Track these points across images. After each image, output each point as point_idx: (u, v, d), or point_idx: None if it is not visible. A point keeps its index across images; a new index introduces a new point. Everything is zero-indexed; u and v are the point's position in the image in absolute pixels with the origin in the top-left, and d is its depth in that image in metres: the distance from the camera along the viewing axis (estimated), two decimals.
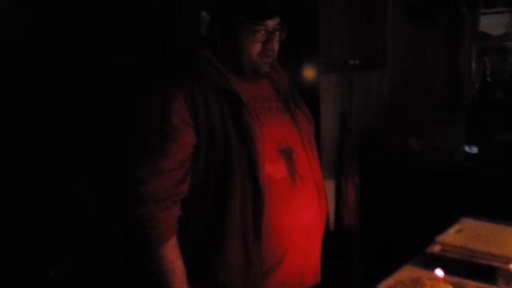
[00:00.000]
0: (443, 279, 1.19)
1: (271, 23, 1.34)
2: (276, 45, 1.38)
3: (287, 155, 1.37)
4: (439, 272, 1.16)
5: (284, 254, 1.35)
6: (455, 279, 1.24)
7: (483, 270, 1.28)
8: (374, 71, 3.38)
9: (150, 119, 1.30)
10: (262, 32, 1.33)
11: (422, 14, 3.34)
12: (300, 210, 1.37)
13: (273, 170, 1.32)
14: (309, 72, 2.53)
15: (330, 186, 3.06)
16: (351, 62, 3.03)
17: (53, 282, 1.73)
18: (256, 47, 1.34)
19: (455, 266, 1.36)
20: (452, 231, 1.58)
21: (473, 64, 3.30)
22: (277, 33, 1.37)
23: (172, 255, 1.30)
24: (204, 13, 1.49)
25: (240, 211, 1.28)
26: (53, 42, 1.71)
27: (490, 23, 3.35)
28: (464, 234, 1.55)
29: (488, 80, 3.16)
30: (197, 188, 1.31)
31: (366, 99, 3.33)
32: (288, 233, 1.35)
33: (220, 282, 1.31)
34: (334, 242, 2.54)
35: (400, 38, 3.44)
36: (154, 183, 1.25)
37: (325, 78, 2.83)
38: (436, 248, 1.47)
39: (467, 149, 2.87)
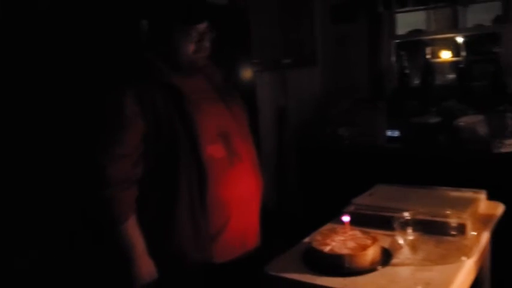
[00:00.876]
0: (350, 227, 1.48)
1: (201, 26, 1.60)
2: (207, 44, 1.64)
3: (225, 137, 1.62)
4: (345, 218, 1.44)
5: (227, 220, 1.59)
6: (362, 228, 1.52)
7: (385, 220, 1.57)
8: (305, 69, 3.70)
9: (107, 113, 1.54)
10: (194, 33, 1.59)
11: (346, 13, 3.69)
12: (239, 183, 1.63)
13: (213, 150, 1.57)
14: (245, 72, 2.79)
15: (271, 172, 3.35)
16: (284, 61, 3.33)
17: (20, 270, 1.89)
18: (191, 46, 1.60)
19: (366, 219, 1.65)
20: (366, 194, 1.89)
21: (393, 58, 3.69)
22: (207, 33, 1.63)
23: (133, 231, 1.51)
24: (144, 21, 1.71)
25: (187, 186, 1.52)
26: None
27: (404, 20, 3.77)
28: (375, 196, 1.86)
29: (406, 71, 3.54)
30: (150, 170, 1.54)
31: (300, 95, 3.64)
32: (229, 202, 1.59)
33: (174, 249, 1.54)
34: (277, 222, 2.79)
35: (327, 37, 3.78)
36: (114, 167, 1.47)
37: (260, 77, 3.11)
38: (351, 208, 1.76)
39: (389, 133, 3.23)
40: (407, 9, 3.48)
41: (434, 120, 3.00)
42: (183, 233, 1.53)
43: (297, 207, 3.30)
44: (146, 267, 1.52)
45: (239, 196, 1.62)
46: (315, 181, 3.31)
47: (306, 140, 3.46)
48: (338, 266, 1.36)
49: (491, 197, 1.91)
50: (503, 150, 2.54)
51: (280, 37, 3.33)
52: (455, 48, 3.56)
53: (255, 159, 1.73)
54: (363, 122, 3.22)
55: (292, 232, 1.86)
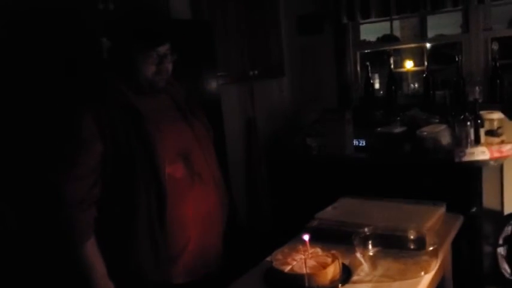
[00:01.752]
0: (312, 244, 1.48)
1: (162, 49, 1.59)
2: (168, 66, 1.63)
3: (185, 157, 1.61)
4: (305, 237, 1.45)
5: (187, 240, 1.58)
6: (324, 243, 1.54)
7: (346, 236, 1.58)
8: (273, 80, 3.72)
9: (64, 134, 1.52)
10: (155, 56, 1.58)
11: (312, 25, 3.73)
12: (199, 203, 1.62)
13: (173, 170, 1.56)
14: (210, 85, 2.78)
15: (241, 187, 3.36)
16: (251, 73, 3.34)
17: None
18: (151, 69, 1.58)
19: (328, 235, 1.67)
20: (329, 208, 1.91)
21: (358, 68, 3.75)
22: (168, 56, 1.62)
23: (92, 253, 1.49)
24: (104, 39, 1.69)
25: (146, 206, 1.51)
26: None
27: (368, 31, 3.83)
28: (337, 210, 1.88)
29: (371, 81, 3.60)
30: (108, 189, 1.52)
31: (268, 106, 3.66)
32: (189, 222, 1.59)
33: (133, 269, 1.53)
34: (245, 239, 2.78)
35: (294, 48, 3.81)
36: (71, 187, 1.46)
37: (227, 89, 3.11)
38: (314, 223, 1.78)
39: (356, 142, 3.27)
40: (371, 20, 3.53)
41: (398, 130, 3.05)
42: (141, 253, 1.52)
43: (267, 221, 3.31)
44: None
45: (200, 216, 1.61)
46: (285, 192, 3.33)
47: (275, 151, 3.47)
48: (298, 286, 1.36)
49: (453, 204, 1.94)
50: (465, 159, 2.60)
51: (247, 49, 3.33)
52: (419, 57, 3.64)
53: (218, 179, 1.72)
54: (330, 132, 3.25)
55: (261, 248, 1.85)
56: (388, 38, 3.82)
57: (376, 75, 3.79)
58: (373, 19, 3.49)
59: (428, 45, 3.50)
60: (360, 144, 3.26)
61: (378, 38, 3.95)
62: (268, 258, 1.58)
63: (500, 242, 2.85)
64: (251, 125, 3.41)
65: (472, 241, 2.65)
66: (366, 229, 1.59)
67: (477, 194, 2.60)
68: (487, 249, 2.71)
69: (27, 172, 1.83)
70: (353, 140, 3.25)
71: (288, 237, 1.78)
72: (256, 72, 3.38)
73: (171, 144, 1.58)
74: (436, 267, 1.49)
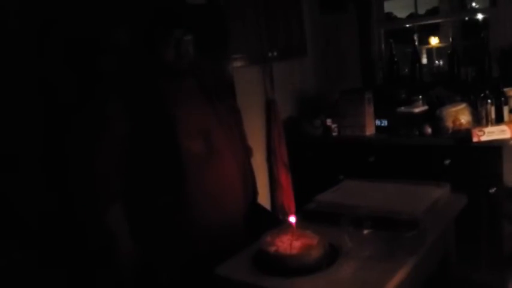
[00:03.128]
0: (302, 226, 1.50)
1: (179, 32, 1.66)
2: (188, 48, 1.70)
3: (205, 136, 1.71)
4: (292, 219, 1.46)
5: (205, 211, 1.69)
6: (318, 226, 1.55)
7: (338, 218, 1.59)
8: (295, 60, 3.69)
9: (90, 111, 1.70)
10: (173, 39, 1.66)
11: (334, 3, 3.66)
12: (218, 178, 1.72)
13: (191, 145, 1.67)
14: (223, 68, 2.81)
15: (263, 168, 3.38)
16: (269, 54, 3.33)
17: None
18: (171, 51, 1.68)
19: (323, 217, 1.69)
20: (330, 190, 1.91)
21: (382, 45, 3.66)
22: (186, 38, 1.68)
23: (116, 217, 1.67)
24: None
25: (166, 180, 1.66)
26: None
27: (394, 7, 3.73)
28: (338, 193, 1.88)
29: (395, 59, 3.51)
30: (131, 165, 1.66)
31: (290, 87, 3.64)
32: (207, 195, 1.69)
33: (157, 233, 1.69)
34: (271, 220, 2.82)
35: (316, 27, 3.76)
36: (98, 160, 1.65)
37: (243, 72, 3.12)
38: (311, 205, 1.79)
39: (378, 122, 3.21)
40: None
41: (419, 109, 2.97)
42: (163, 220, 1.68)
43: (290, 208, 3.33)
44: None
45: (218, 191, 1.71)
46: (304, 174, 3.33)
47: (296, 132, 3.47)
48: (283, 266, 1.39)
49: (472, 185, 1.89)
50: (484, 138, 2.51)
51: (265, 30, 3.32)
52: (444, 33, 3.51)
53: (241, 159, 1.81)
54: (350, 113, 3.21)
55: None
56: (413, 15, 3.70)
57: (400, 53, 3.67)
58: None
59: (453, 21, 3.37)
60: (382, 125, 3.21)
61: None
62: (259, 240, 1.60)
63: None
64: (270, 107, 3.41)
65: (492, 221, 2.58)
66: (357, 212, 1.58)
67: (497, 175, 2.51)
68: (509, 229, 2.63)
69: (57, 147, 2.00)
70: (375, 121, 3.20)
71: None
72: (275, 53, 3.37)
73: (191, 124, 1.69)
74: (426, 249, 1.48)
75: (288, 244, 1.44)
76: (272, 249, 1.43)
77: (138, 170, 1.67)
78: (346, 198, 1.78)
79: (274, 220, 3.21)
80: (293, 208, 3.42)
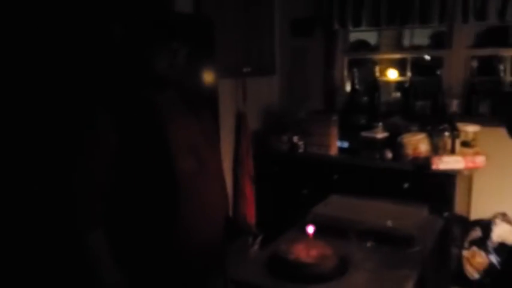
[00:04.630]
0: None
1: (175, 43, 1.65)
2: (180, 60, 1.68)
3: (195, 150, 1.68)
4: (310, 229, 1.60)
5: (198, 232, 1.65)
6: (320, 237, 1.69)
7: (343, 231, 1.75)
8: (264, 77, 3.86)
9: (79, 125, 1.61)
10: (168, 50, 1.64)
11: (304, 28, 3.89)
12: (208, 196, 1.69)
13: (185, 163, 1.62)
14: (209, 79, 2.90)
15: (228, 179, 3.49)
16: (244, 69, 3.47)
17: None
18: (164, 63, 1.64)
19: (325, 229, 1.83)
20: (322, 204, 2.07)
21: (345, 73, 3.93)
22: (179, 50, 1.68)
23: (99, 243, 1.54)
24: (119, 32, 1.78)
25: (159, 199, 1.58)
26: None
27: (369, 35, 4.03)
28: (329, 207, 2.05)
29: (357, 87, 3.78)
30: (120, 182, 1.57)
31: (258, 102, 3.80)
32: (200, 215, 1.65)
33: (145, 256, 1.60)
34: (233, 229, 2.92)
35: (286, 49, 3.96)
36: (83, 178, 1.53)
37: (223, 83, 3.23)
38: (311, 218, 1.94)
39: (339, 143, 3.45)
40: (361, 29, 3.71)
41: (381, 135, 3.24)
42: (154, 245, 1.58)
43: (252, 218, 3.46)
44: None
45: (209, 208, 1.68)
46: (269, 187, 3.49)
47: (262, 146, 3.62)
48: (302, 273, 1.52)
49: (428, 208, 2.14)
50: (441, 167, 2.82)
51: (242, 47, 3.46)
52: (401, 68, 3.85)
53: (221, 170, 1.83)
54: (317, 132, 3.42)
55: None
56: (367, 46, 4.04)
57: (361, 82, 3.96)
58: (363, 28, 3.68)
59: (409, 57, 3.73)
60: (343, 146, 3.45)
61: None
62: (270, 247, 1.72)
63: (466, 245, 3.10)
64: (241, 119, 3.55)
65: (443, 243, 2.88)
66: (362, 225, 1.75)
67: (450, 200, 2.82)
68: (454, 251, 2.95)
69: (41, 161, 1.90)
70: (337, 141, 3.44)
71: (270, 229, 1.91)
72: (249, 69, 3.52)
73: (182, 137, 1.64)
74: (422, 264, 1.68)
75: (305, 253, 1.57)
76: (291, 256, 1.55)
77: (126, 191, 1.57)
78: (342, 213, 1.95)
79: (237, 229, 3.35)
80: (253, 219, 3.56)
